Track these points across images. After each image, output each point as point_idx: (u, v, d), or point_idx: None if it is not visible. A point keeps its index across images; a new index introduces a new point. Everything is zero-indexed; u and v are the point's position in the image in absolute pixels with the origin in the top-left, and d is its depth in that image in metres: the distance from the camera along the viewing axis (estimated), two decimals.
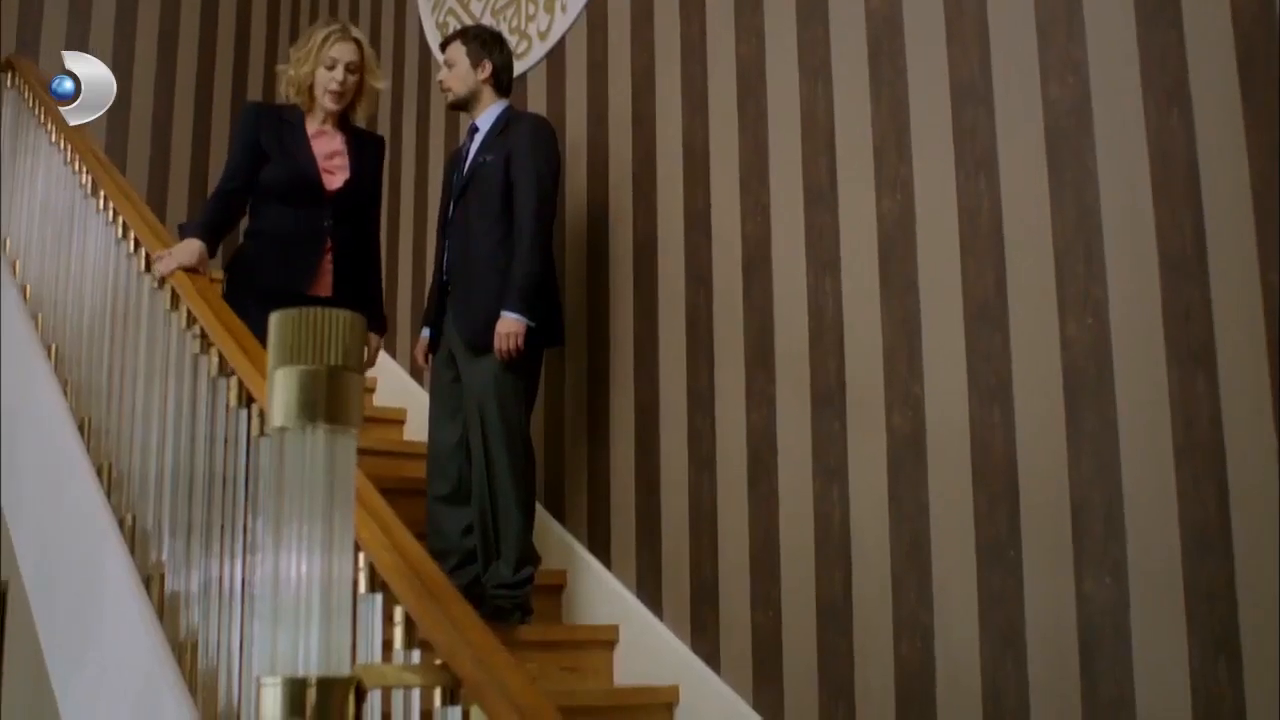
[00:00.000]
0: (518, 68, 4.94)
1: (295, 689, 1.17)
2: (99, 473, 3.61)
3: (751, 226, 3.83)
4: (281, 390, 1.22)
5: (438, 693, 1.82)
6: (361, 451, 1.41)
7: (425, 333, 4.24)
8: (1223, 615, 2.61)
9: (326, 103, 3.90)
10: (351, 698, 1.21)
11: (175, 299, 3.29)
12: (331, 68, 3.87)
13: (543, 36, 4.88)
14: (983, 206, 3.19)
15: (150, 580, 3.15)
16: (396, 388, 5.35)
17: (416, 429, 5.11)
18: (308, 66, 3.90)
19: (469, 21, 5.25)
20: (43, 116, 4.72)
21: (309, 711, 1.17)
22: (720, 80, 4.04)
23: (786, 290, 3.69)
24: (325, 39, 3.89)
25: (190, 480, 3.06)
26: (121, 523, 3.39)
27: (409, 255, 5.57)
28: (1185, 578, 2.68)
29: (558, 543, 4.29)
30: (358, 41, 3.95)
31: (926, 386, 3.26)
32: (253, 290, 3.69)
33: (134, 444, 3.45)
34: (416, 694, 1.92)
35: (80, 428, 3.82)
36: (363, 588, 2.05)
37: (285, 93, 3.97)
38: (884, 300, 3.40)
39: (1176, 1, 2.85)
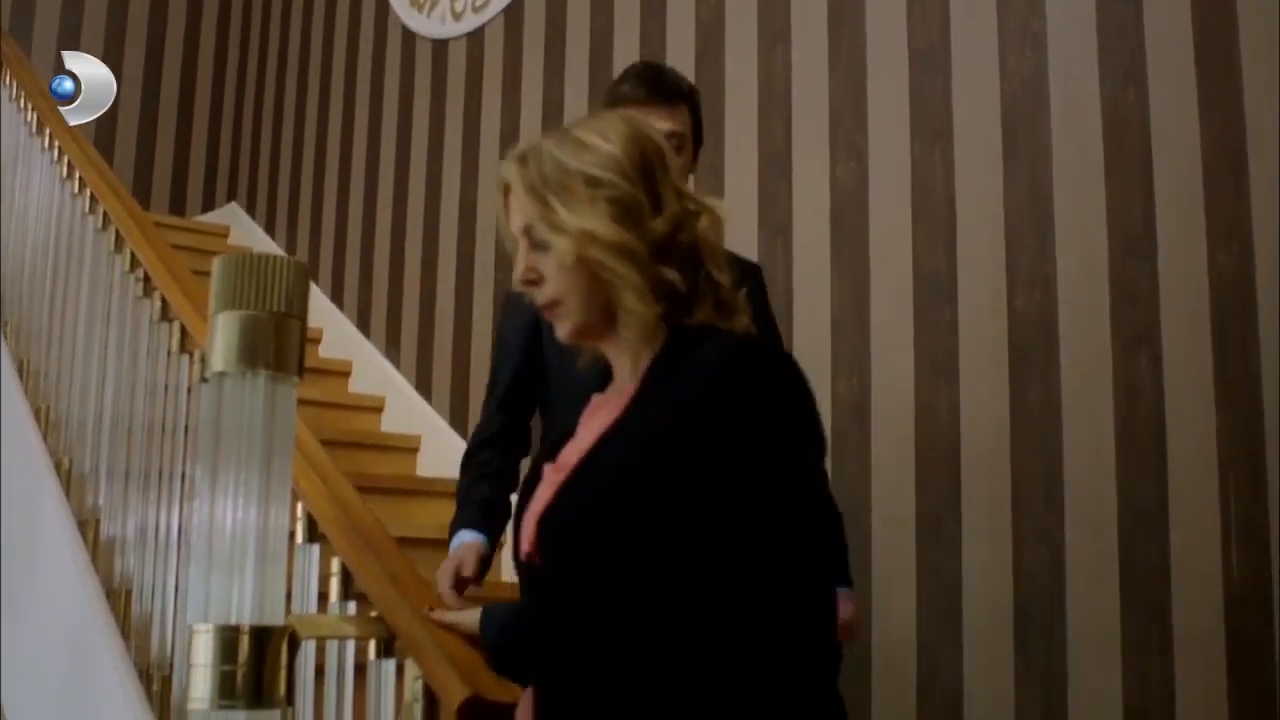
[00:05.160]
0: (474, 21, 4.89)
1: (228, 636, 1.16)
2: (37, 415, 3.56)
3: (705, 190, 3.81)
4: (223, 335, 1.20)
5: (372, 645, 1.81)
6: (305, 403, 1.39)
7: (476, 539, 2.17)
8: (1157, 590, 2.64)
9: None
10: (285, 647, 1.20)
11: (119, 240, 3.23)
12: None
13: None
14: (936, 177, 3.19)
15: (86, 525, 3.12)
16: (343, 340, 5.30)
17: (362, 382, 5.07)
18: None
19: None
20: None
21: (241, 659, 1.16)
22: (678, 42, 4.01)
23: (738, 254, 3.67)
24: None
25: (129, 425, 3.03)
26: (58, 466, 3.35)
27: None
28: (1121, 552, 2.71)
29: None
30: None
31: (873, 354, 3.27)
32: None
33: (73, 387, 3.41)
34: (351, 646, 1.91)
35: (19, 370, 3.77)
36: (300, 538, 2.03)
37: None
38: (834, 267, 3.40)
39: None
